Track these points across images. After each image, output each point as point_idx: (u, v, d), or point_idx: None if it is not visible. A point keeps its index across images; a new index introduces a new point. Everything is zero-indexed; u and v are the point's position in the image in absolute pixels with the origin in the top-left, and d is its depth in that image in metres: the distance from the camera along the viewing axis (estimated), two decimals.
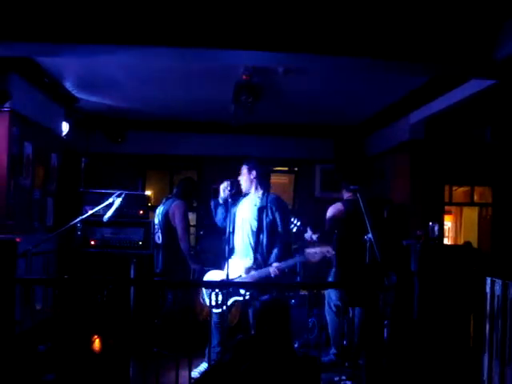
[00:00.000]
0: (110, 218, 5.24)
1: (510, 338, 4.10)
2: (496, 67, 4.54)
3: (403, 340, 4.08)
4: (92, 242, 7.19)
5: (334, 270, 5.58)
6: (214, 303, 4.72)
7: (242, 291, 4.89)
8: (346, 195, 5.76)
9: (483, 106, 6.82)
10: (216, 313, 4.86)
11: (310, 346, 5.45)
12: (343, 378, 4.49)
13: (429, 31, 4.41)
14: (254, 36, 4.35)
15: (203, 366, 4.98)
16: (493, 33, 4.39)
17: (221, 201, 5.19)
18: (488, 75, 4.97)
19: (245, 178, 5.28)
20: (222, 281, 5.00)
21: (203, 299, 5.19)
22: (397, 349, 4.12)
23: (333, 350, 5.51)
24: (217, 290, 4.65)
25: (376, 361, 4.27)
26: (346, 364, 5.02)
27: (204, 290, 5.14)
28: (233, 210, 5.25)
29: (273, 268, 4.94)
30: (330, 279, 5.63)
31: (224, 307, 4.70)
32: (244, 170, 5.30)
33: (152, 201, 9.16)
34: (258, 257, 5.09)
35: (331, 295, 5.57)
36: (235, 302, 5.01)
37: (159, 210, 6.08)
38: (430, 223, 4.52)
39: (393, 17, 4.39)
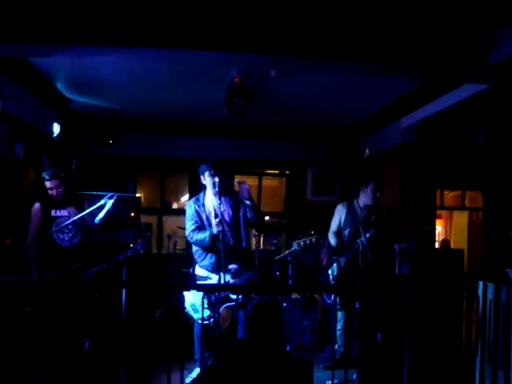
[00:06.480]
0: (101, 220, 5.21)
1: (502, 341, 4.10)
2: (490, 71, 4.55)
3: (396, 343, 4.08)
4: None
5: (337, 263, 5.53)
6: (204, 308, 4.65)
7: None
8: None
9: (475, 110, 6.86)
10: (201, 323, 4.72)
11: (302, 350, 5.42)
12: (335, 382, 4.45)
13: (424, 35, 4.41)
14: (243, 38, 4.30)
15: (196, 371, 4.93)
16: (487, 37, 4.39)
17: None
18: (482, 80, 4.99)
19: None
20: (212, 284, 4.96)
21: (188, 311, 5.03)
22: (389, 352, 4.11)
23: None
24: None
25: (369, 364, 4.25)
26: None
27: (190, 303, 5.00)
28: None
29: None
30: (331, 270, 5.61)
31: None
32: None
33: (143, 203, 9.11)
34: None
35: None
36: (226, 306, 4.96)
37: None
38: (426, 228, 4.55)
39: (385, 20, 4.39)
